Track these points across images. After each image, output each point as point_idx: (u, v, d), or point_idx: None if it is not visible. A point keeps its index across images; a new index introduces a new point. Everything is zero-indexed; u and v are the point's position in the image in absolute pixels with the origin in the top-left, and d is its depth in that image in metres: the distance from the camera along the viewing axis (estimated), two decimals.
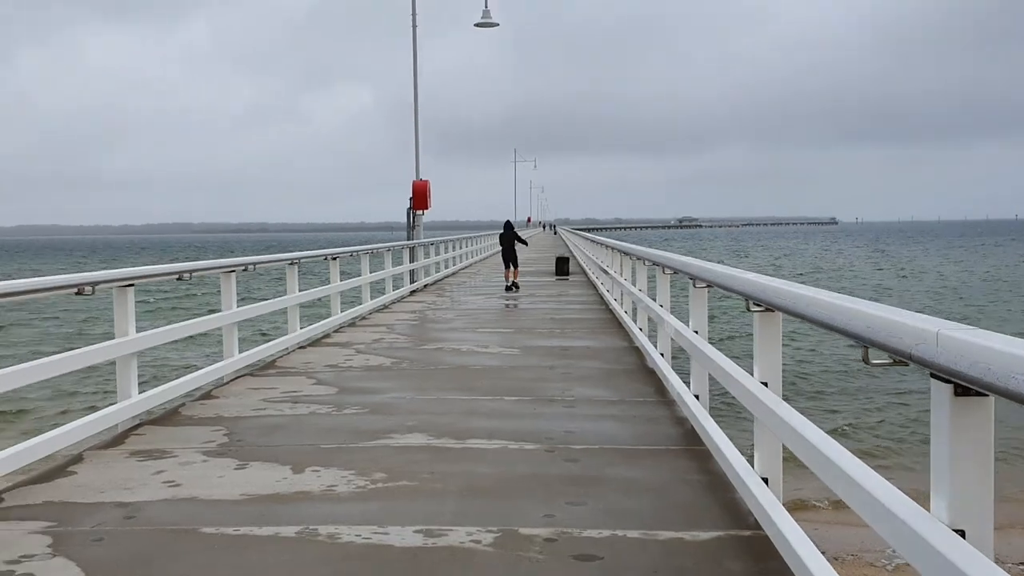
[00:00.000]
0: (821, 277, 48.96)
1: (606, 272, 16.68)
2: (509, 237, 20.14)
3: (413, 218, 21.07)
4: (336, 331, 12.20)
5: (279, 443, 5.98)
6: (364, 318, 13.99)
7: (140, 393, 6.69)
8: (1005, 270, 53.76)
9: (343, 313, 12.85)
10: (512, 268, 19.71)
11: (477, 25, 21.70)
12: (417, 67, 21.40)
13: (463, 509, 4.49)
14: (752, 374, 4.36)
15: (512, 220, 21.06)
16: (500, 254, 20.36)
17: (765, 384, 4.16)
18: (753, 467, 4.38)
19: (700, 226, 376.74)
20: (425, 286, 20.74)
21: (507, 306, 15.91)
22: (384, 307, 15.78)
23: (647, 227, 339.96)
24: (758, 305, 4.18)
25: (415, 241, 20.00)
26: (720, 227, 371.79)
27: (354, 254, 14.32)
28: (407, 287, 18.84)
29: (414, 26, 21.06)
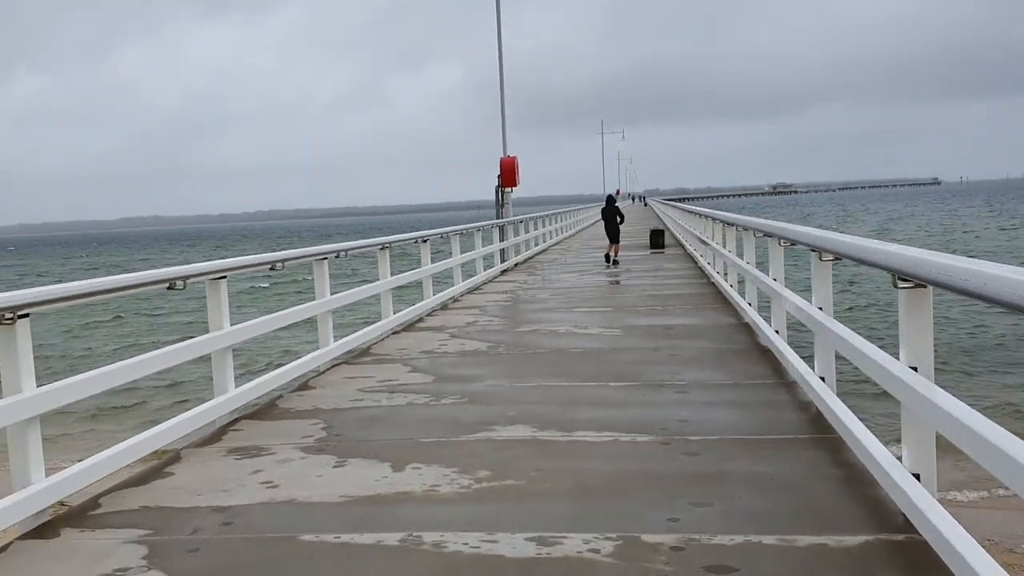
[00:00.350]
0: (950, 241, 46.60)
1: (705, 244, 16.05)
2: (611, 211, 20.18)
3: (502, 196, 20.78)
4: (429, 315, 12.00)
5: (377, 437, 5.74)
6: (456, 300, 13.77)
7: (237, 387, 6.56)
8: None
9: (435, 296, 12.63)
10: (616, 243, 19.74)
11: None
12: (501, 39, 21.01)
13: (576, 513, 4.12)
14: (897, 358, 3.85)
15: (607, 193, 20.66)
16: (598, 228, 20.23)
17: (915, 369, 3.63)
18: (900, 460, 3.88)
19: (796, 192, 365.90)
20: (516, 265, 20.45)
21: (602, 283, 15.45)
22: (476, 288, 15.55)
23: (740, 195, 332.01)
24: (905, 280, 3.61)
25: (504, 220, 19.72)
26: (816, 192, 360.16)
27: (444, 236, 14.08)
28: (498, 267, 18.58)
29: None
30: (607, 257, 19.55)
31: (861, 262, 4.46)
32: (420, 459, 5.07)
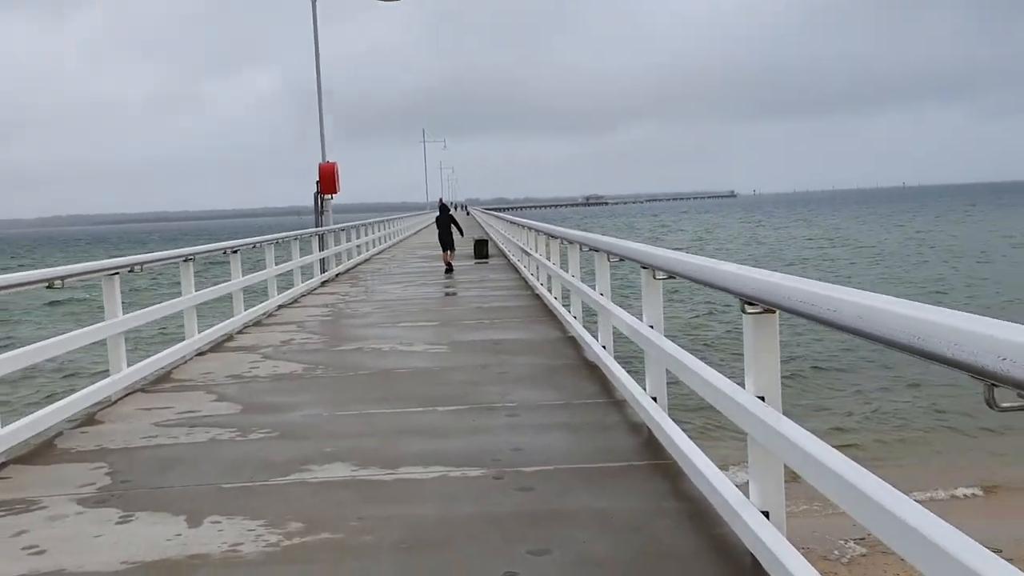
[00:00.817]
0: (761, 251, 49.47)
1: (528, 255, 15.97)
2: (446, 220, 20.33)
3: (321, 203, 19.86)
4: (240, 332, 11.07)
5: (172, 483, 4.98)
6: (271, 315, 12.87)
7: (5, 426, 5.58)
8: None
9: (247, 311, 11.71)
10: (450, 251, 19.99)
11: None
12: (318, 42, 20.13)
13: (404, 572, 3.62)
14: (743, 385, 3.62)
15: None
16: (422, 235, 20.15)
17: (762, 399, 3.41)
18: (748, 495, 3.66)
19: (606, 203, 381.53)
20: (338, 275, 19.62)
21: (428, 295, 14.98)
22: (293, 301, 14.66)
23: (557, 206, 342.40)
24: (753, 304, 3.41)
25: (324, 228, 18.84)
26: (625, 203, 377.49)
27: (256, 245, 13.13)
28: (318, 278, 17.70)
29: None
30: (446, 265, 19.67)
31: (707, 284, 4.14)
32: (221, 510, 4.39)
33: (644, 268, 5.54)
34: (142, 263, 8.29)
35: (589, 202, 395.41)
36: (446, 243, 20.19)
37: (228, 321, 11.09)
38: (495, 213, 44.04)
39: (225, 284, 11.54)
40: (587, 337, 8.31)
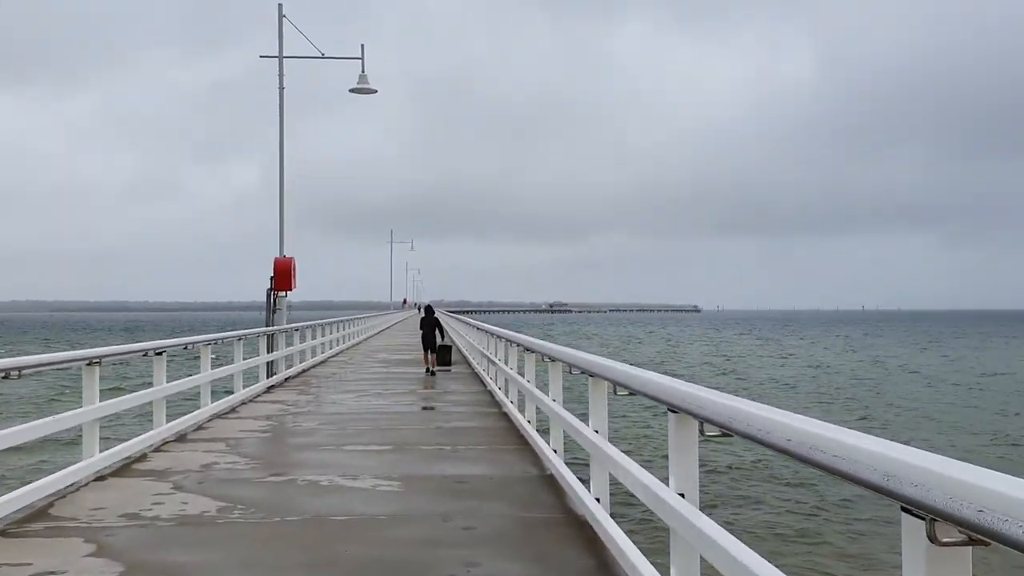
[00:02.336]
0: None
1: (493, 363, 14.57)
2: (431, 322, 19.97)
3: (274, 300, 18.27)
4: (156, 450, 9.32)
5: None
6: (201, 427, 11.11)
7: None
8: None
9: (168, 424, 9.98)
10: (432, 353, 19.60)
11: (352, 91, 19.53)
12: (283, 135, 19.03)
13: None
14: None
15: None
16: (382, 337, 19.15)
17: (682, 495, 3.84)
18: None
19: (570, 311, 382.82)
20: (287, 379, 17.87)
21: (383, 408, 13.26)
22: (231, 410, 12.90)
23: (520, 311, 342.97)
24: (674, 411, 3.96)
25: (275, 328, 17.21)
26: (590, 312, 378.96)
27: (189, 346, 11.46)
28: (263, 382, 15.94)
29: (281, 87, 18.73)
30: (427, 367, 19.36)
31: (637, 393, 4.73)
32: None
33: (612, 385, 5.55)
34: (21, 368, 6.64)
35: (553, 309, 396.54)
36: (429, 344, 19.66)
37: (143, 436, 9.37)
38: (458, 316, 42.60)
39: (146, 391, 9.85)
40: (571, 479, 6.79)
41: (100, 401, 8.05)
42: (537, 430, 9.43)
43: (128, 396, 9.61)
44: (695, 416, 3.60)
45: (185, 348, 11.30)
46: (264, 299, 18.60)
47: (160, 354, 9.94)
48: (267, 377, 16.44)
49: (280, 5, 18.60)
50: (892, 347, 70.94)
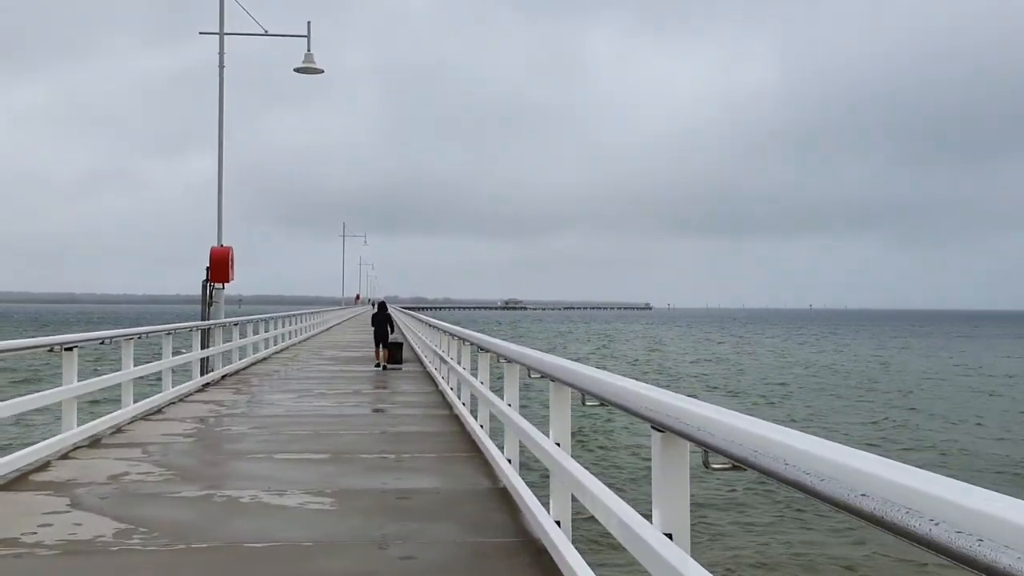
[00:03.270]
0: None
1: (445, 362, 13.70)
2: (383, 318, 20.60)
3: (210, 292, 17.11)
4: (64, 456, 8.28)
5: None
6: (120, 431, 10.05)
7: None
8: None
9: (79, 428, 8.92)
10: (384, 348, 20.06)
11: (297, 70, 18.46)
12: (223, 117, 17.88)
13: None
14: None
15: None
16: (331, 335, 18.80)
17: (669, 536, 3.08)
18: None
19: (525, 308, 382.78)
20: (224, 377, 16.76)
21: (323, 411, 12.27)
22: (158, 410, 11.83)
23: (475, 308, 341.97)
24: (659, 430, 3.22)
25: (210, 322, 16.09)
26: (543, 309, 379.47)
27: (108, 340, 10.34)
28: (196, 380, 14.83)
29: (221, 66, 17.58)
30: (377, 361, 19.82)
31: (611, 404, 4.00)
32: None
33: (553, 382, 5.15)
34: None
35: (508, 306, 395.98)
36: (381, 339, 20.17)
37: (50, 440, 8.31)
38: (412, 313, 41.49)
39: (53, 391, 8.77)
40: (527, 495, 5.99)
41: None
42: (491, 436, 8.60)
43: (31, 396, 8.53)
44: (690, 440, 2.84)
45: (103, 342, 10.18)
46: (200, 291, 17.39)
47: (70, 350, 8.87)
48: (201, 374, 15.33)
49: None
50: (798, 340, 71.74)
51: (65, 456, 8.35)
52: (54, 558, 5.12)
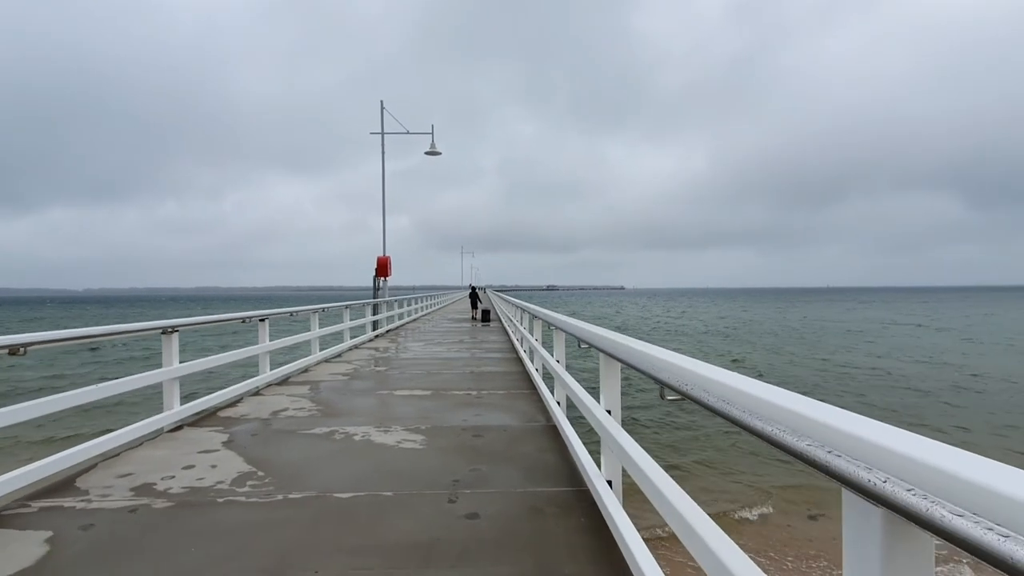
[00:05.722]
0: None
1: (512, 322, 11.40)
2: (473, 294, 22.61)
3: (377, 283, 15.21)
4: (255, 393, 6.31)
5: None
6: (307, 370, 8.08)
7: None
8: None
9: (275, 370, 6.97)
10: (474, 310, 20.78)
11: (426, 153, 16.35)
12: (384, 185, 15.83)
13: None
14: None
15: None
16: (456, 305, 18.51)
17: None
18: None
19: (557, 289, 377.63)
20: (388, 331, 14.80)
21: (435, 355, 10.10)
22: (338, 355, 9.87)
23: (531, 289, 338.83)
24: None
25: (377, 299, 14.15)
26: (566, 290, 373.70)
27: (293, 314, 8.33)
28: (369, 334, 12.87)
29: (383, 152, 15.55)
30: (473, 317, 19.22)
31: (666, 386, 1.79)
32: None
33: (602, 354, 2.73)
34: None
35: (548, 288, 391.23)
36: (473, 305, 21.43)
37: (245, 382, 6.34)
38: (499, 294, 39.31)
39: (252, 347, 6.81)
40: (585, 459, 3.64)
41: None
42: (543, 379, 6.28)
43: (238, 351, 6.56)
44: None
45: (291, 315, 8.20)
46: (371, 283, 15.50)
47: (263, 320, 6.89)
48: (373, 331, 13.40)
49: (381, 101, 15.44)
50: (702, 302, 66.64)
51: (256, 393, 6.36)
52: (164, 512, 3.02)
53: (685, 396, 1.75)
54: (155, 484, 3.40)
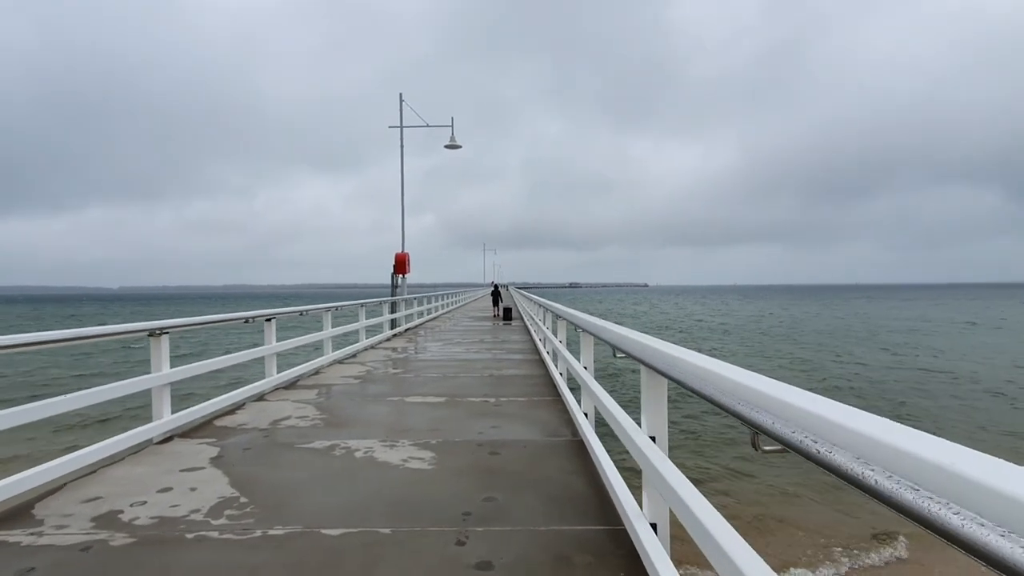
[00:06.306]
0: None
1: (534, 320, 10.80)
2: (495, 292, 21.71)
3: (395, 280, 14.83)
4: (259, 398, 5.90)
5: None
6: (318, 372, 7.69)
7: None
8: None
9: (283, 372, 6.56)
10: (495, 308, 20.29)
11: (446, 146, 15.87)
12: (404, 179, 15.43)
13: None
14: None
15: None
16: (477, 303, 18.26)
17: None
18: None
19: (580, 287, 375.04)
20: (407, 329, 14.41)
21: (452, 356, 9.60)
22: (353, 355, 9.47)
23: (553, 286, 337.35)
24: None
25: (394, 297, 13.76)
26: (592, 288, 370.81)
27: (303, 313, 7.92)
28: (387, 332, 12.50)
29: (401, 146, 15.13)
30: (495, 315, 19.36)
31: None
32: None
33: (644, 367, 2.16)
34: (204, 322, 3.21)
35: (571, 285, 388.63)
36: (495, 303, 20.65)
37: (246, 387, 5.93)
38: (521, 291, 38.72)
39: (256, 349, 6.41)
40: (616, 483, 3.03)
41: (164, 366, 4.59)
42: (568, 384, 5.68)
43: (237, 353, 6.15)
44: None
45: (300, 314, 7.78)
46: (390, 280, 15.13)
47: (269, 320, 6.49)
48: (391, 329, 13.01)
49: (400, 93, 15.05)
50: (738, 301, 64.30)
51: (260, 398, 5.96)
52: (121, 551, 2.55)
53: (792, 448, 1.15)
54: (121, 512, 2.96)
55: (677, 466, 1.98)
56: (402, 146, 15.14)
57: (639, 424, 2.44)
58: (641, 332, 2.65)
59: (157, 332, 4.41)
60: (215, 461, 3.82)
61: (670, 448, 2.12)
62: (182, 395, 11.29)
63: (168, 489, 3.29)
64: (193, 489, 3.29)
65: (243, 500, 3.09)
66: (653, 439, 2.25)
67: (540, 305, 10.47)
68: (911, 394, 12.27)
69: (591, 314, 4.50)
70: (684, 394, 11.52)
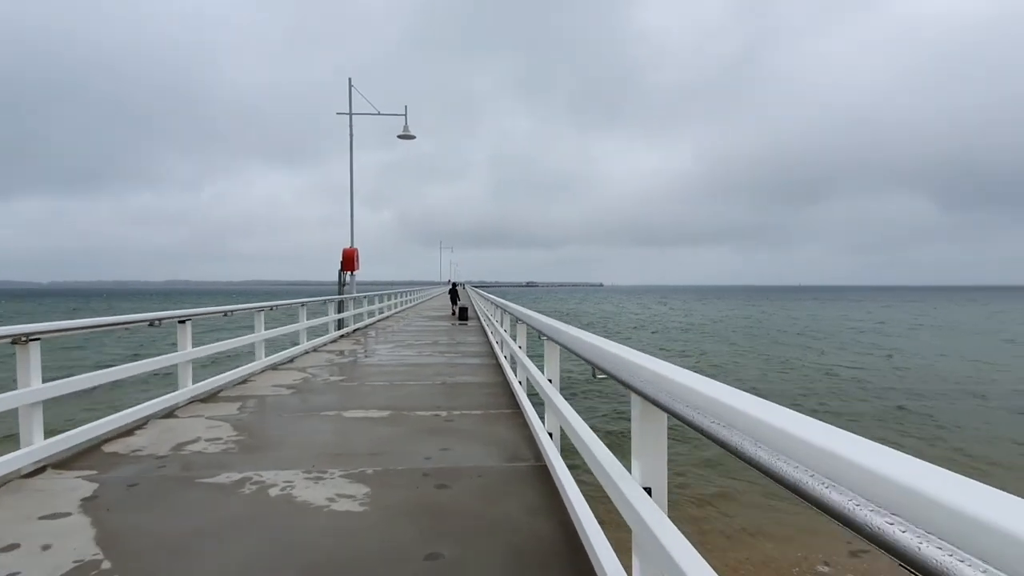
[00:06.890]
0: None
1: (491, 322, 10.27)
2: (453, 291, 21.27)
3: (342, 277, 13.86)
4: (168, 415, 5.02)
5: None
6: (245, 381, 6.80)
7: None
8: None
9: (205, 381, 5.67)
10: (454, 306, 19.66)
11: (399, 136, 15.01)
12: (352, 168, 14.48)
13: None
14: None
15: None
16: (431, 302, 17.54)
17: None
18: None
19: (537, 285, 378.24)
20: (355, 330, 13.49)
21: (403, 361, 8.89)
22: (290, 360, 8.58)
23: (512, 285, 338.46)
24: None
25: (341, 296, 12.82)
26: (544, 287, 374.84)
27: (227, 314, 6.97)
28: (332, 334, 11.58)
29: (351, 135, 14.16)
30: (453, 313, 19.08)
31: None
32: None
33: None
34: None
35: (528, 285, 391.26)
36: (453, 301, 20.46)
37: (155, 400, 5.04)
38: (477, 290, 38.04)
39: (168, 356, 5.50)
40: (586, 521, 2.52)
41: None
42: (527, 393, 5.18)
43: (146, 360, 5.24)
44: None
45: (224, 315, 6.84)
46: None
47: (183, 322, 5.58)
48: (338, 330, 12.09)
49: (349, 79, 14.06)
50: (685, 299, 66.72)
51: (170, 414, 5.08)
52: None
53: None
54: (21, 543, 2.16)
55: (680, 528, 1.49)
56: (351, 134, 14.18)
57: (624, 463, 1.94)
58: (622, 339, 2.15)
59: (23, 339, 3.53)
60: (86, 504, 3.03)
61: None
62: (105, 407, 9.92)
63: (14, 547, 2.50)
64: (46, 548, 2.51)
65: (105, 567, 2.36)
66: (648, 491, 1.75)
67: (497, 306, 9.94)
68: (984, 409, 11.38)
69: (556, 317, 4.00)
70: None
